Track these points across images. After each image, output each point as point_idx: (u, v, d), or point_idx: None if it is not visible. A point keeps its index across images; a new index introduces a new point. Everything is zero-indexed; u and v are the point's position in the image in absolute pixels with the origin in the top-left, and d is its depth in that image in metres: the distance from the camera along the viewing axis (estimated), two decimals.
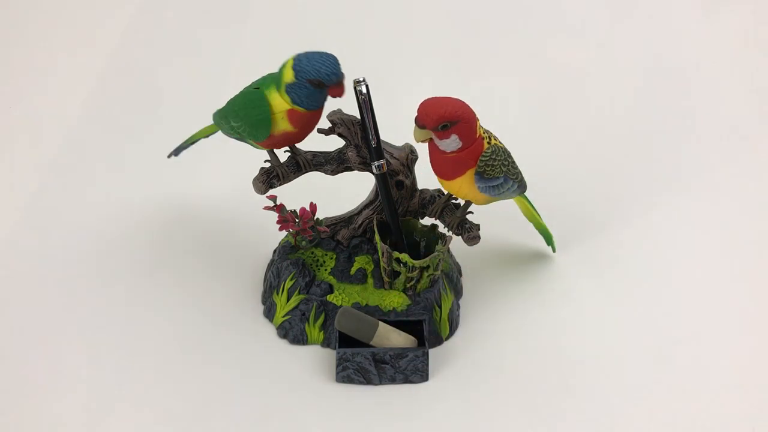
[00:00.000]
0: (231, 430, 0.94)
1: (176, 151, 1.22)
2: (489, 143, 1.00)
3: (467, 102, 0.98)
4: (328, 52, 0.98)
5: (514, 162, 1.05)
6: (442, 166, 1.01)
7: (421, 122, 0.96)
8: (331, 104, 1.07)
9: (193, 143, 1.20)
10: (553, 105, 1.54)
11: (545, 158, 1.40)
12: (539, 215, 1.16)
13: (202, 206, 1.28)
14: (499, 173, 1.01)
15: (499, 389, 1.00)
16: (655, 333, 1.09)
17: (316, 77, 0.96)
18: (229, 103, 1.04)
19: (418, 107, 0.97)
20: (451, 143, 0.98)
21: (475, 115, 0.98)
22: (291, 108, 0.98)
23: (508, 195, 1.07)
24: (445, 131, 0.96)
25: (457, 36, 1.67)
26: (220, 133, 1.11)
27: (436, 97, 0.97)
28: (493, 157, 1.00)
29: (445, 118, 0.96)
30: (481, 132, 1.00)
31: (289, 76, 0.97)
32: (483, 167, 1.00)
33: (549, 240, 1.20)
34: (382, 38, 1.65)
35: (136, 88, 1.54)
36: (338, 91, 0.98)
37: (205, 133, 1.17)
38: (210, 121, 1.13)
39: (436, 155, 1.01)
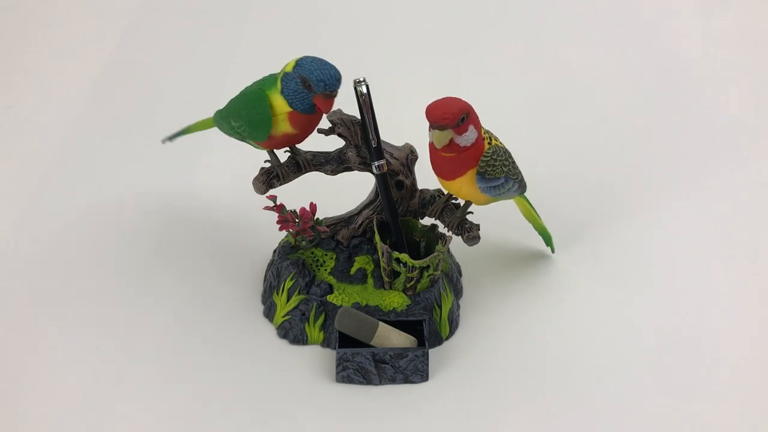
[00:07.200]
0: (231, 430, 0.94)
1: (171, 137, 1.21)
2: (489, 143, 1.00)
3: (467, 102, 0.98)
4: (339, 70, 0.97)
5: (514, 162, 1.05)
6: (443, 166, 1.01)
7: (441, 123, 0.95)
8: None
9: (189, 133, 1.19)
10: (552, 105, 1.54)
11: (545, 158, 1.40)
12: (539, 216, 1.16)
13: (203, 206, 1.28)
14: (500, 173, 1.01)
15: (499, 389, 1.00)
16: (654, 332, 1.09)
17: (306, 75, 0.96)
18: (230, 103, 1.04)
19: (427, 114, 0.96)
20: (469, 135, 0.98)
21: None
22: (292, 110, 0.98)
23: (508, 195, 1.07)
24: (464, 124, 0.97)
25: (457, 36, 1.67)
26: (221, 134, 1.11)
27: (437, 100, 0.97)
28: (494, 157, 1.00)
29: (462, 110, 0.96)
30: (482, 132, 1.00)
31: (289, 66, 0.98)
32: (484, 167, 1.00)
33: (548, 241, 1.20)
34: (382, 38, 1.65)
35: (135, 87, 1.54)
36: (323, 103, 0.97)
37: (203, 127, 1.16)
38: (209, 115, 1.12)
39: (436, 155, 1.01)
